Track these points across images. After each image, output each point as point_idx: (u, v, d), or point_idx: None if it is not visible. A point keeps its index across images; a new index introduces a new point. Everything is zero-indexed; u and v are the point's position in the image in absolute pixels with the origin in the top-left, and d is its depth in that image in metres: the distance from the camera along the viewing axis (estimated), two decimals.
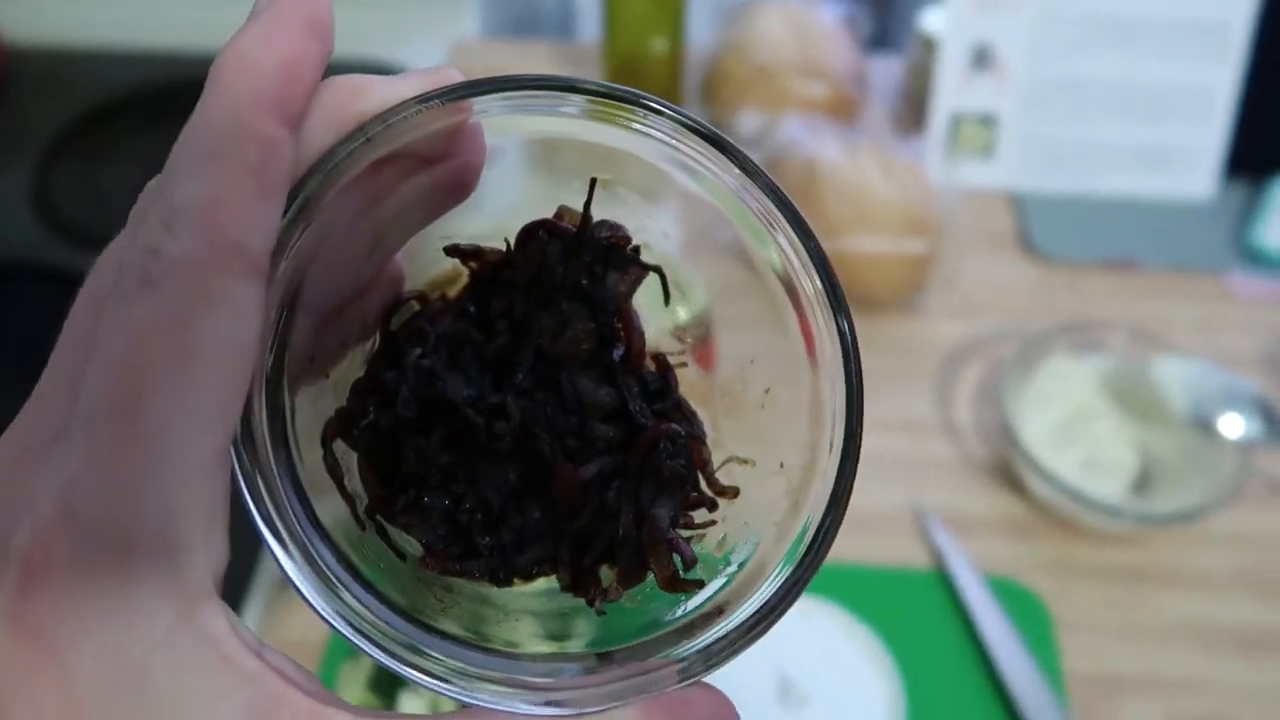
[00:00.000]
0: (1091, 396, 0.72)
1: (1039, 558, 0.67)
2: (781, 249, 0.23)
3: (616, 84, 0.23)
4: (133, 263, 0.18)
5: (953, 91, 0.90)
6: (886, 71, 1.02)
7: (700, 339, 0.28)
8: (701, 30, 0.99)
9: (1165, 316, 0.82)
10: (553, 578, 0.25)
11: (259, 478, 0.20)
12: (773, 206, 0.23)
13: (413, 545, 0.25)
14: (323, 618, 0.20)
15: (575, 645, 0.25)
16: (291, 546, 0.20)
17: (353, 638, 0.20)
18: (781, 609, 0.21)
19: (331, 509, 0.23)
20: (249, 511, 0.20)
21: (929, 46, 0.93)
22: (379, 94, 0.21)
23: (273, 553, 0.20)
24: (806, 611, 0.58)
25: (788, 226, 0.23)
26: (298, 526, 0.21)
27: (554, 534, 0.25)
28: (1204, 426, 0.66)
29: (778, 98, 0.90)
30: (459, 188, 0.24)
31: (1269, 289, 0.84)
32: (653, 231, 0.26)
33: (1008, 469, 0.71)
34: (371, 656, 0.20)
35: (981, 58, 0.89)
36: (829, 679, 0.55)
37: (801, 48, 0.91)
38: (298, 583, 0.20)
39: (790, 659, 0.56)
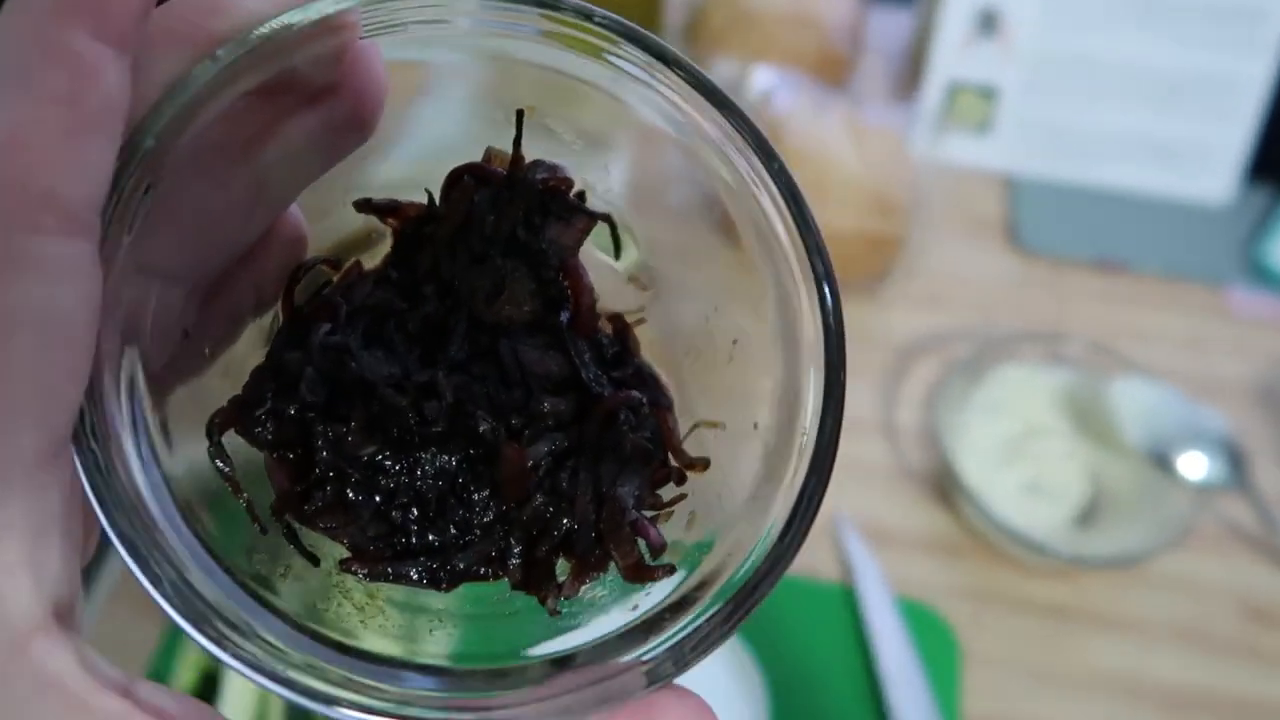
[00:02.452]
0: (1045, 412, 0.66)
1: (961, 583, 0.62)
2: (745, 180, 0.20)
3: None
4: None
5: (952, 57, 0.82)
6: (893, 28, 0.94)
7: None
8: None
9: (1151, 327, 0.74)
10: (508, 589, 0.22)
11: (110, 481, 0.17)
12: (730, 125, 0.20)
13: (330, 548, 0.22)
14: (210, 653, 0.17)
15: (524, 651, 0.22)
16: (157, 564, 0.17)
17: (252, 675, 0.17)
18: (761, 593, 0.19)
19: (218, 515, 0.20)
20: (100, 521, 0.17)
21: (936, 3, 0.84)
22: (240, 9, 0.18)
23: (134, 573, 0.17)
24: None
25: (750, 150, 0.20)
26: (167, 539, 0.18)
27: (502, 526, 0.22)
28: (1160, 461, 0.60)
29: (762, 45, 0.82)
30: (356, 125, 0.21)
31: (1272, 309, 0.77)
32: (591, 168, 0.23)
33: (943, 482, 0.65)
34: (280, 695, 0.17)
35: (988, 22, 0.81)
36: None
37: None
38: (169, 610, 0.17)
39: None
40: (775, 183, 0.20)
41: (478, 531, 0.22)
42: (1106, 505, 0.63)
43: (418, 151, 0.24)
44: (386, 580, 0.22)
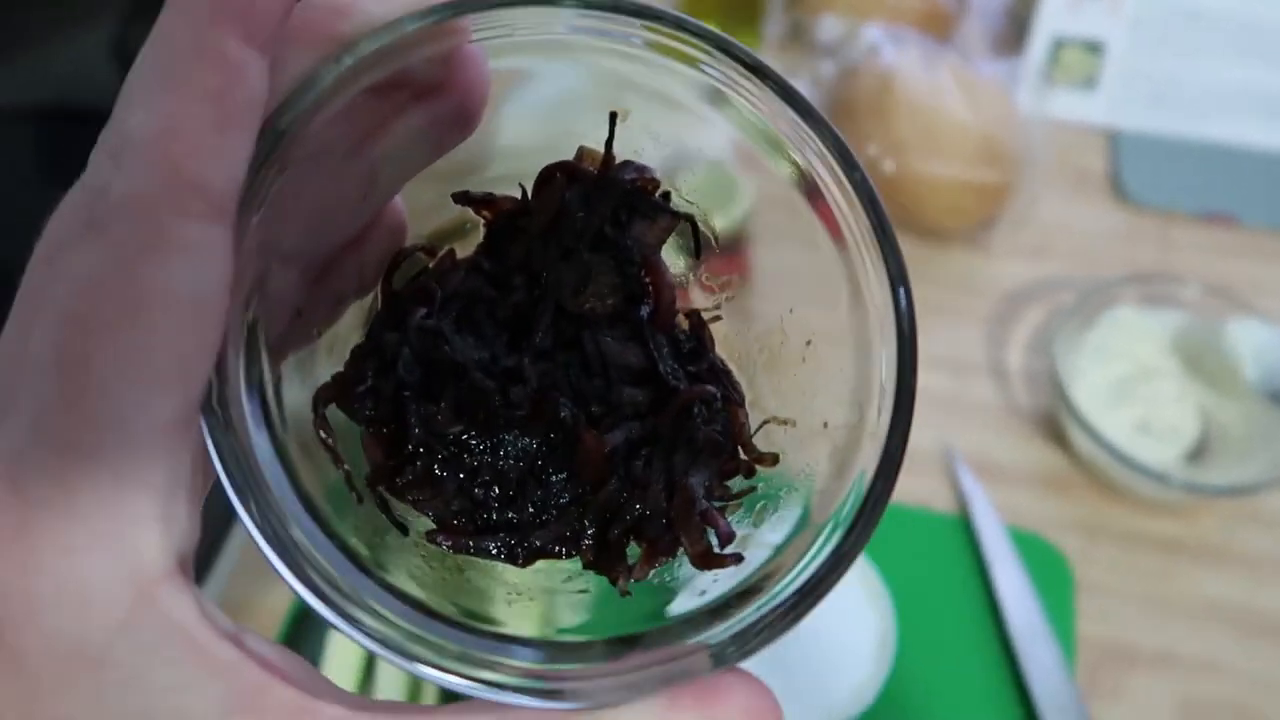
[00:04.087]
0: (1157, 354, 0.67)
1: (1071, 516, 0.63)
2: (825, 185, 0.21)
3: (659, 6, 0.20)
4: (78, 203, 0.17)
5: (1060, 12, 0.83)
6: None
7: (735, 249, 0.26)
8: None
9: (1257, 279, 0.75)
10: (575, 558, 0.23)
11: (232, 446, 0.18)
12: (814, 135, 0.20)
13: (417, 519, 0.23)
14: (310, 605, 0.18)
15: (593, 631, 0.23)
16: (270, 523, 0.18)
17: (344, 627, 0.18)
18: (825, 586, 0.19)
19: (321, 481, 0.21)
20: (221, 481, 0.18)
21: None
22: (365, 12, 0.19)
23: (249, 530, 0.18)
24: None
25: (831, 159, 0.21)
26: (279, 500, 0.19)
27: (577, 508, 0.23)
28: (1275, 399, 0.61)
29: (867, 6, 0.84)
30: (461, 122, 0.22)
31: None
32: (678, 170, 0.24)
33: (1052, 421, 0.67)
34: (366, 647, 0.18)
35: None
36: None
37: None
38: (278, 567, 0.18)
39: None
40: (856, 191, 0.20)
41: (554, 511, 0.23)
42: (1216, 445, 0.64)
43: (514, 149, 0.25)
44: (467, 553, 0.23)
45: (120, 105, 0.17)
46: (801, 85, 0.82)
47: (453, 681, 0.18)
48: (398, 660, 0.18)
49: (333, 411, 0.23)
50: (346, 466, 0.22)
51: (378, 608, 0.19)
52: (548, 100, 0.24)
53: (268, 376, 0.20)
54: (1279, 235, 0.78)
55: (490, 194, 0.24)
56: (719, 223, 0.25)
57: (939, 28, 0.85)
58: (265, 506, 0.18)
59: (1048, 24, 0.83)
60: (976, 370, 0.70)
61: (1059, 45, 0.84)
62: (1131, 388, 0.66)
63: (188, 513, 0.17)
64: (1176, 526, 0.63)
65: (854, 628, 0.54)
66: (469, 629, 0.19)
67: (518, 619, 0.22)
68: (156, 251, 0.16)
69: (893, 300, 0.20)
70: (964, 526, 0.62)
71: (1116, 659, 0.58)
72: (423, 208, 0.24)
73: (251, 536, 0.18)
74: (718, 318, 0.25)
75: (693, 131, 0.23)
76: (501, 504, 0.23)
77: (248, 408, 0.19)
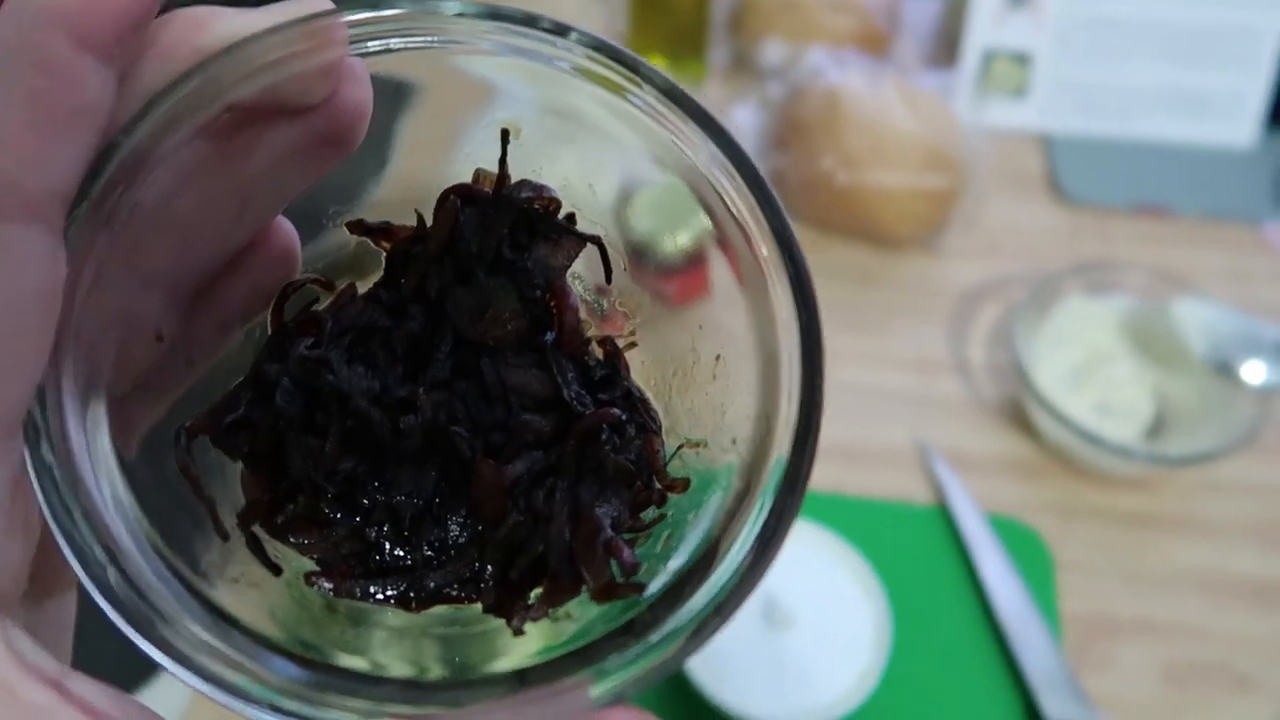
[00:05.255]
0: (1108, 338, 0.70)
1: (1043, 499, 0.66)
2: (726, 194, 0.20)
3: (528, 10, 0.19)
4: None
5: (987, 27, 0.87)
6: (923, 11, 0.99)
7: (692, 263, 0.24)
8: None
9: (1195, 264, 0.79)
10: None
11: (55, 474, 0.17)
12: (704, 136, 0.20)
13: (294, 560, 0.22)
14: (146, 653, 0.17)
15: (488, 666, 0.22)
16: (98, 560, 0.17)
17: (205, 689, 0.16)
18: (723, 616, 0.18)
19: (177, 519, 0.20)
20: (44, 517, 0.17)
21: None
22: (227, 26, 0.18)
23: (73, 567, 0.17)
24: (798, 534, 0.58)
25: (726, 160, 0.20)
26: (114, 535, 0.17)
27: (476, 547, 0.22)
28: (1224, 370, 0.64)
29: (805, 29, 0.88)
30: (339, 141, 0.20)
31: None
32: (580, 192, 0.23)
33: (1018, 410, 0.70)
34: (235, 709, 0.17)
35: None
36: (816, 602, 0.55)
37: None
38: (112, 614, 0.17)
39: (777, 579, 0.55)
40: (752, 193, 0.20)
41: (452, 552, 0.21)
42: (1173, 419, 0.68)
43: (421, 172, 0.23)
44: (353, 598, 0.21)
45: None
46: (750, 109, 0.84)
47: None
48: (229, 701, 0.17)
49: (214, 448, 0.21)
50: (210, 498, 0.21)
51: (213, 640, 0.17)
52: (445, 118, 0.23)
53: (107, 404, 0.19)
54: (1209, 222, 0.83)
55: (387, 222, 0.23)
56: (680, 239, 0.24)
57: (875, 47, 0.89)
58: (93, 541, 0.17)
59: (977, 39, 0.87)
60: (941, 367, 0.73)
61: (989, 58, 0.88)
62: (1088, 372, 0.69)
63: (2, 539, 0.16)
64: (1143, 500, 0.66)
65: (852, 620, 0.55)
66: (325, 667, 0.18)
67: (395, 659, 0.21)
68: None
69: (797, 314, 0.19)
70: (943, 517, 0.64)
71: (1100, 631, 0.60)
72: (317, 235, 0.23)
73: (79, 577, 0.17)
74: (633, 344, 0.24)
75: (598, 164, 0.23)
76: (394, 545, 0.21)
77: (84, 435, 0.18)
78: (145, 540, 0.18)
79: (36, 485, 0.17)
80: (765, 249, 0.20)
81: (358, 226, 0.23)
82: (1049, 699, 0.55)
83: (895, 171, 0.75)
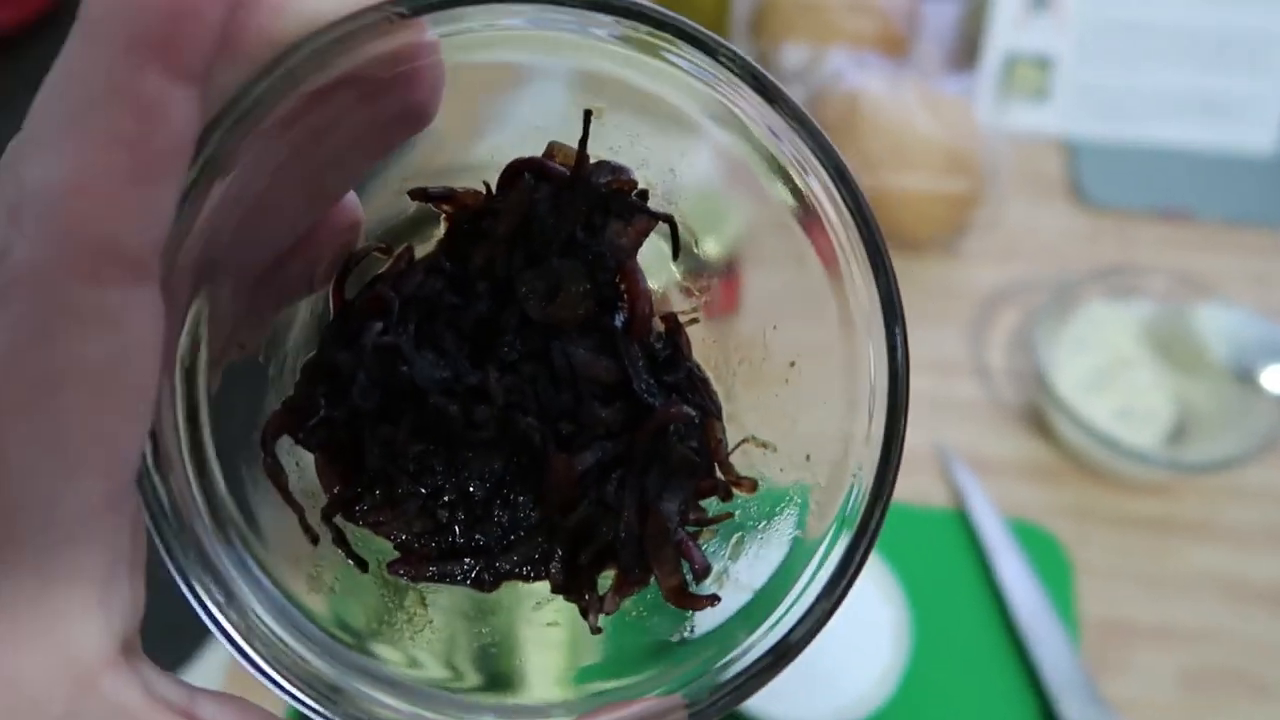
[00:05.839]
0: (1130, 344, 0.70)
1: (1062, 503, 0.66)
2: (821, 208, 0.20)
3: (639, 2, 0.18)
4: None
5: (1009, 30, 0.87)
6: (943, 14, 0.99)
7: (722, 276, 0.24)
8: None
9: (1216, 269, 0.79)
10: (547, 593, 0.22)
11: (173, 520, 0.17)
12: (810, 153, 0.19)
13: (377, 560, 0.22)
14: (276, 686, 0.17)
15: (571, 678, 0.23)
16: (223, 605, 0.17)
17: (305, 704, 0.17)
18: (801, 645, 0.18)
19: (267, 532, 0.20)
20: (167, 566, 0.17)
21: None
22: (304, 10, 0.17)
23: (200, 610, 0.17)
24: None
25: (826, 177, 0.19)
26: (223, 567, 0.18)
27: (546, 531, 0.22)
28: (1245, 377, 0.64)
29: (825, 32, 0.88)
30: (412, 120, 0.20)
31: None
32: (656, 171, 0.22)
33: (1037, 414, 0.70)
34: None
35: None
36: None
37: None
38: (238, 645, 0.17)
39: None
40: (853, 217, 0.19)
41: (522, 533, 0.22)
42: (1193, 425, 0.68)
43: (488, 145, 0.23)
44: (431, 580, 0.21)
45: (16, 150, 0.15)
46: None
47: None
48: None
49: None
50: (300, 505, 0.21)
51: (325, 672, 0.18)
52: (527, 109, 0.22)
53: (204, 418, 0.19)
54: (1231, 226, 0.82)
55: (450, 188, 0.22)
56: (708, 250, 0.24)
57: (895, 49, 0.89)
58: (210, 580, 0.17)
59: (998, 41, 0.87)
60: (960, 370, 0.73)
61: (1011, 61, 0.88)
62: (1109, 377, 0.69)
63: (130, 589, 0.17)
64: (1163, 505, 0.66)
65: (870, 622, 0.55)
66: (430, 691, 0.19)
67: (493, 666, 0.22)
68: (65, 324, 0.15)
69: (887, 345, 0.19)
70: (962, 520, 0.65)
71: (1118, 636, 0.60)
72: (379, 205, 0.22)
73: (199, 614, 0.17)
74: (695, 320, 0.23)
75: (680, 150, 0.22)
76: (466, 526, 0.21)
77: (190, 464, 0.18)
78: (252, 565, 0.19)
79: (154, 531, 0.17)
80: (856, 272, 0.19)
81: (420, 194, 0.22)
82: (1067, 703, 0.55)
83: (915, 175, 0.75)
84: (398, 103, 0.19)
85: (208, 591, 0.17)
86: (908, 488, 0.66)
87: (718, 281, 0.24)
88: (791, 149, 0.19)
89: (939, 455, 0.68)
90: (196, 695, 0.17)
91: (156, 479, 0.17)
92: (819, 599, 0.19)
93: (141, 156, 0.14)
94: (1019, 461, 0.68)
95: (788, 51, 0.86)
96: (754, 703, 0.52)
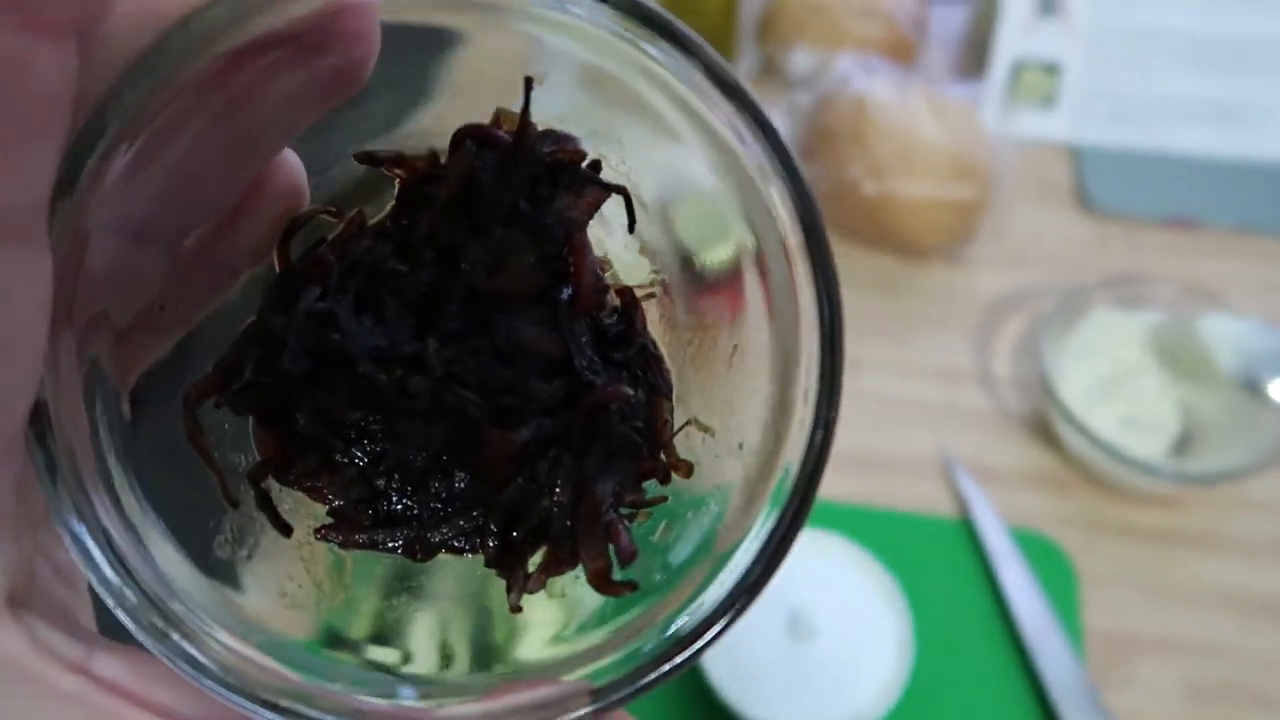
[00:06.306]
0: (1136, 353, 0.70)
1: (1067, 513, 0.66)
2: (769, 202, 0.19)
3: None
4: None
5: (1016, 36, 0.87)
6: (951, 20, 0.99)
7: (729, 274, 0.23)
8: None
9: (1224, 277, 0.78)
10: (477, 565, 0.22)
11: (63, 472, 0.17)
12: (761, 151, 0.19)
13: (301, 523, 0.22)
14: (168, 660, 0.17)
15: (476, 655, 0.22)
16: (112, 563, 0.17)
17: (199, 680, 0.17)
18: (723, 626, 0.18)
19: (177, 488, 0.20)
20: (55, 524, 0.17)
21: None
22: None
23: (81, 567, 0.17)
24: (821, 546, 0.58)
25: (775, 170, 0.19)
26: (120, 528, 0.17)
27: (481, 505, 0.21)
28: (1252, 387, 0.64)
29: (833, 36, 0.88)
30: (345, 80, 0.19)
31: None
32: (607, 144, 0.22)
33: (1042, 422, 0.69)
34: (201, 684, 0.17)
35: (1049, 3, 0.86)
36: (839, 613, 0.55)
37: None
38: (116, 609, 0.17)
39: (801, 591, 0.55)
40: (791, 195, 0.19)
41: (457, 504, 0.21)
42: (1199, 436, 0.67)
43: (432, 106, 0.22)
44: (361, 547, 0.21)
45: None
46: (779, 116, 0.85)
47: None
48: (235, 699, 0.17)
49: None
50: (219, 466, 0.21)
51: (218, 632, 0.17)
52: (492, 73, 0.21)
53: (113, 377, 0.18)
54: (1240, 235, 0.82)
55: (399, 152, 0.21)
56: (711, 256, 0.23)
57: (903, 55, 0.89)
58: (104, 540, 0.17)
59: (1006, 48, 0.87)
60: (966, 378, 0.73)
61: (1019, 67, 0.88)
62: (1115, 386, 0.69)
63: (13, 543, 0.16)
64: (1169, 516, 0.65)
65: (874, 631, 0.55)
66: (346, 664, 0.19)
67: (410, 637, 0.21)
68: None
69: (820, 340, 0.19)
70: (966, 529, 0.64)
71: (1123, 647, 0.60)
72: (327, 168, 0.22)
73: (91, 581, 0.17)
74: (651, 295, 0.23)
75: (625, 121, 0.22)
76: (401, 495, 0.21)
77: (86, 420, 0.18)
78: (152, 527, 0.18)
79: (47, 489, 0.17)
80: (792, 238, 0.19)
81: (366, 157, 0.21)
82: (1070, 714, 0.55)
83: (922, 181, 0.75)
84: (330, 61, 0.19)
85: (98, 544, 0.17)
86: (912, 496, 0.66)
87: (673, 256, 0.23)
88: (751, 150, 0.19)
89: (943, 463, 0.68)
90: (96, 650, 0.17)
91: (50, 438, 0.17)
92: (722, 604, 0.18)
93: (8, 121, 0.14)
94: (1024, 470, 0.68)
95: (795, 56, 0.86)
96: (759, 714, 0.51)
